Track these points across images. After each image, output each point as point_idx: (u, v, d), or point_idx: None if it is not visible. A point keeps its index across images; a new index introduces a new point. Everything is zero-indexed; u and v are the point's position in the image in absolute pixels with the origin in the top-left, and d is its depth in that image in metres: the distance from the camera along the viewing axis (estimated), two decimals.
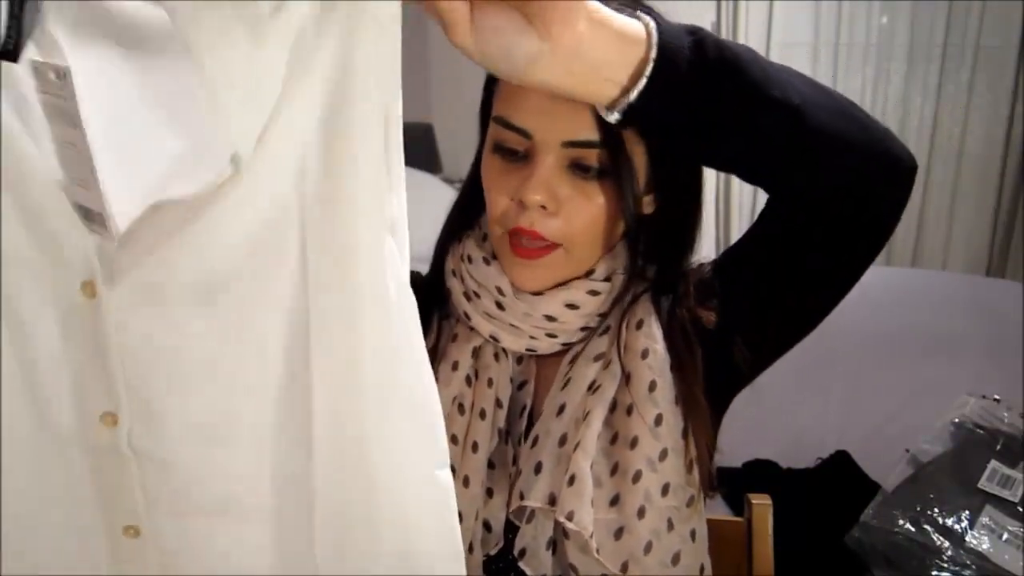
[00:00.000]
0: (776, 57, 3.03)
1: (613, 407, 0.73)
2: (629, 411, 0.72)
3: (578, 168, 0.69)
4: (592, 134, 0.67)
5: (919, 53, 2.95)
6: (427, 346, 0.76)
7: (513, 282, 0.73)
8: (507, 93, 0.71)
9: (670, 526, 0.70)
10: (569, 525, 0.68)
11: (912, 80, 2.99)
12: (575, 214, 0.70)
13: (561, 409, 0.73)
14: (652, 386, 0.72)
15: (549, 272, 0.73)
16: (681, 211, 0.76)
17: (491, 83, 0.74)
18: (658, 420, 0.72)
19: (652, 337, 0.74)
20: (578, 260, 0.73)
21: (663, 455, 0.71)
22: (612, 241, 0.75)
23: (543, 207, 0.69)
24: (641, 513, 0.70)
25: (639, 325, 0.74)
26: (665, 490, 0.71)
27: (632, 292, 0.76)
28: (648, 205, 0.75)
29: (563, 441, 0.72)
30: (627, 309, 0.75)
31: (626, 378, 0.73)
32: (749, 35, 3.02)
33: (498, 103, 0.72)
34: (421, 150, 2.92)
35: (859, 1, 2.94)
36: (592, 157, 0.68)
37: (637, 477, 0.70)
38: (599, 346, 0.75)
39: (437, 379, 0.73)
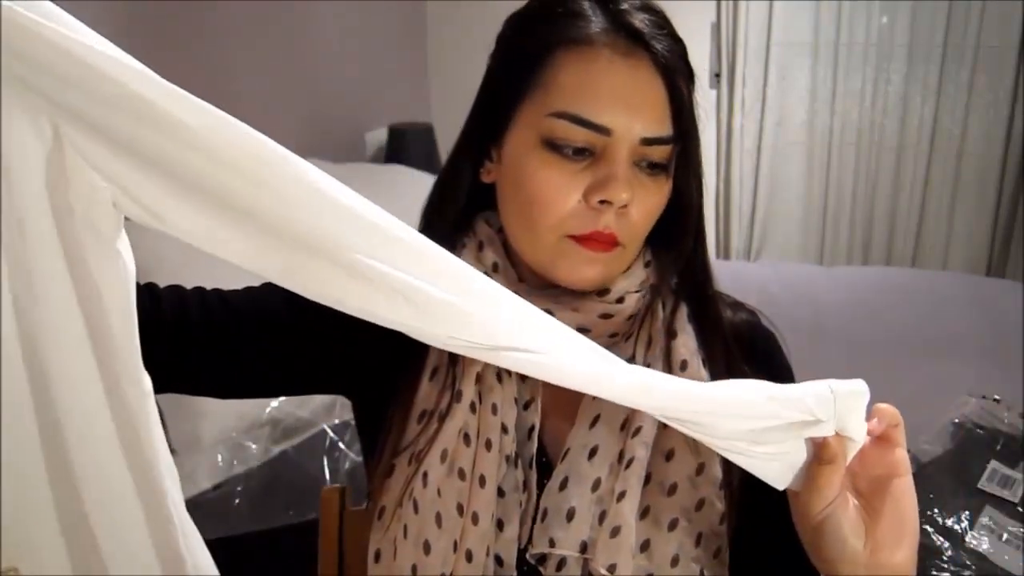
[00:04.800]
0: (776, 57, 3.03)
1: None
2: (669, 456, 0.69)
3: (642, 163, 0.67)
4: (667, 130, 0.66)
5: (919, 53, 2.95)
6: (429, 366, 0.75)
7: (566, 279, 0.69)
8: (574, 88, 0.66)
9: None
10: None
11: (912, 80, 2.99)
12: (640, 214, 0.68)
13: (593, 451, 0.69)
14: None
15: (604, 270, 0.70)
16: (691, 199, 0.73)
17: (526, 75, 0.68)
18: (699, 469, 0.69)
19: (690, 350, 0.71)
20: (625, 264, 0.71)
21: (700, 505, 0.69)
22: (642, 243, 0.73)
23: (623, 206, 0.66)
24: (674, 562, 0.67)
25: (683, 366, 0.71)
26: (698, 540, 0.69)
27: (661, 317, 0.73)
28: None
29: (597, 486, 0.68)
30: (651, 317, 0.73)
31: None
32: (749, 35, 3.02)
33: (555, 98, 0.66)
34: (421, 150, 2.91)
35: (859, 1, 2.94)
36: (662, 153, 0.67)
37: (673, 526, 0.68)
38: (627, 349, 0.72)
39: (444, 411, 0.71)
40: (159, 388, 0.76)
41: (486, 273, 0.70)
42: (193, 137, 0.41)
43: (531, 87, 0.68)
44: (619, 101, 0.65)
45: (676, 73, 0.66)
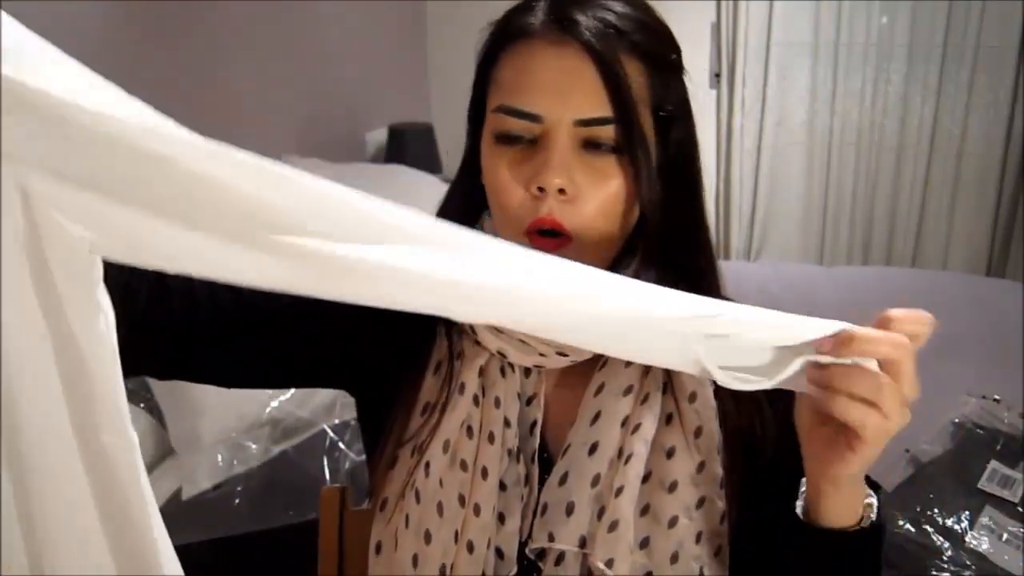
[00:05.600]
0: (776, 57, 3.03)
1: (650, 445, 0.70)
2: (670, 454, 0.70)
3: (591, 145, 0.66)
4: (605, 110, 0.65)
5: (919, 53, 2.95)
6: (433, 361, 0.75)
7: None
8: (510, 81, 0.68)
9: (701, 575, 0.69)
10: (608, 572, 0.66)
11: (912, 80, 2.99)
12: (592, 198, 0.66)
13: (594, 447, 0.69)
14: (698, 432, 0.70)
15: None
16: (688, 191, 0.73)
17: (484, 76, 0.72)
18: (700, 468, 0.70)
19: (701, 381, 0.71)
20: (590, 253, 0.69)
21: (700, 503, 0.69)
22: (623, 233, 0.71)
23: (562, 191, 0.65)
24: (674, 559, 0.68)
25: None
26: (698, 538, 0.69)
27: None
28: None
29: (596, 481, 0.68)
30: None
31: (666, 418, 0.71)
32: (749, 35, 3.02)
33: (499, 94, 0.69)
34: (421, 150, 2.91)
35: (859, 1, 2.94)
36: (605, 134, 0.66)
37: (673, 523, 0.68)
38: (628, 377, 0.71)
39: (445, 403, 0.72)
40: (164, 375, 0.77)
41: None
42: (174, 168, 0.40)
43: (488, 87, 0.71)
44: (547, 88, 0.66)
45: (611, 54, 0.65)
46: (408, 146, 2.88)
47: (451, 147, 3.09)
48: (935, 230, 3.10)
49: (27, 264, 0.41)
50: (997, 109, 2.91)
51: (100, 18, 1.77)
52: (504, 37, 0.69)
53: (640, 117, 0.66)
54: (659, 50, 0.69)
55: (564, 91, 0.65)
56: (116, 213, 0.41)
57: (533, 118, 0.66)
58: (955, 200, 3.05)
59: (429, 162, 2.90)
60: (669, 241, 0.72)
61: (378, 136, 3.01)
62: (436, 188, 2.62)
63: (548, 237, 0.67)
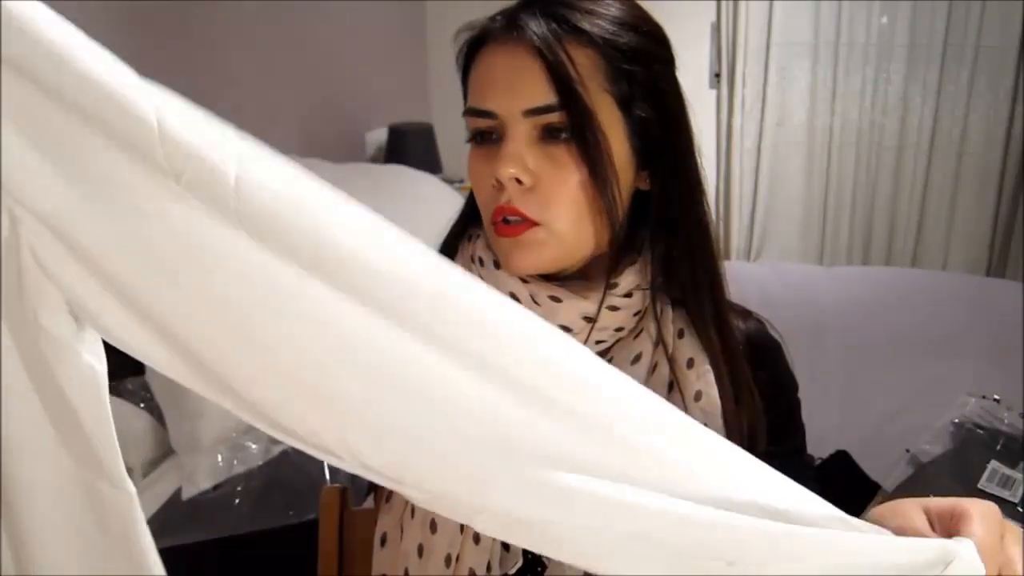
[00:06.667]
0: (776, 57, 3.03)
1: None
2: None
3: (548, 136, 0.68)
4: (549, 98, 0.67)
5: (919, 53, 2.96)
6: None
7: (506, 268, 0.71)
8: (473, 84, 0.72)
9: None
10: None
11: (912, 80, 2.99)
12: (552, 187, 0.68)
13: None
14: (697, 396, 0.71)
15: (534, 252, 0.69)
16: (676, 181, 0.73)
17: (465, 84, 0.74)
18: None
19: (706, 380, 0.72)
20: (563, 240, 0.69)
21: None
22: (600, 222, 0.70)
23: (519, 181, 0.67)
24: None
25: (690, 364, 0.72)
26: None
27: (670, 316, 0.73)
28: (643, 181, 0.73)
29: None
30: (661, 317, 0.73)
31: (668, 387, 0.71)
32: (749, 35, 3.02)
33: (468, 98, 0.72)
34: (421, 150, 2.92)
35: (859, 1, 2.95)
36: (557, 121, 0.67)
37: None
38: (636, 347, 0.73)
39: None
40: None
41: (495, 262, 0.72)
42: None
43: (467, 92, 0.74)
44: (498, 85, 0.69)
45: (555, 45, 0.67)
46: (408, 146, 2.88)
47: (451, 147, 3.09)
48: (935, 230, 3.10)
49: (7, 311, 0.40)
50: (997, 109, 2.91)
51: (100, 18, 1.77)
52: (471, 47, 0.73)
53: (592, 102, 0.67)
54: (620, 38, 0.69)
55: (513, 86, 0.68)
56: (91, 289, 0.40)
57: (489, 115, 0.69)
58: (955, 200, 3.05)
59: (429, 162, 2.90)
60: (666, 229, 0.73)
61: (378, 136, 3.01)
62: (436, 188, 2.62)
63: (512, 224, 0.68)
